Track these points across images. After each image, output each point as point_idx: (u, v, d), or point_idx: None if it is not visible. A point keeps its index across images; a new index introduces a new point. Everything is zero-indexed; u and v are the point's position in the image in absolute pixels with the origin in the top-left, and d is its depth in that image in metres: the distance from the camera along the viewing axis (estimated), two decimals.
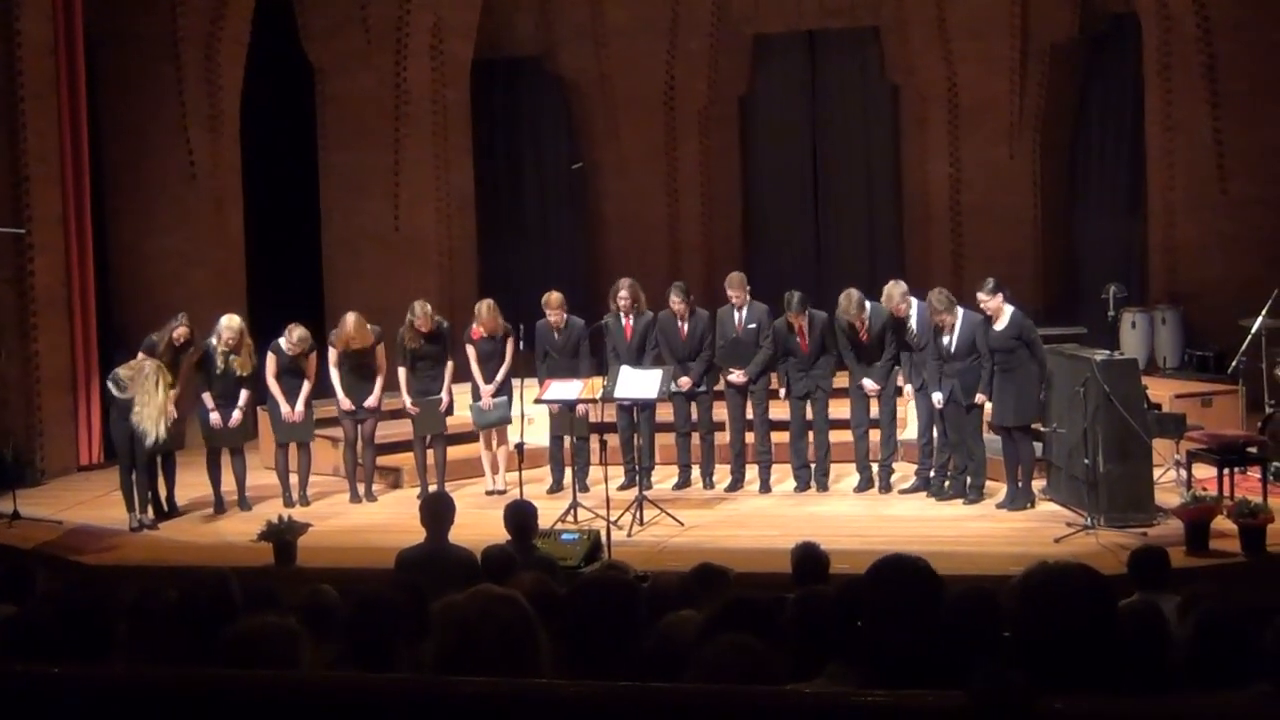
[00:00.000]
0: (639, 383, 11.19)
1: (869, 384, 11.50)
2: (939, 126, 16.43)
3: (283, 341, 11.70)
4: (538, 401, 11.58)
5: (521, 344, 11.87)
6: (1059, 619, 2.94)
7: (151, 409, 10.94)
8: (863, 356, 11.51)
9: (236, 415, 11.54)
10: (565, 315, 11.95)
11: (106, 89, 14.66)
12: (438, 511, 7.78)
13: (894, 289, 11.36)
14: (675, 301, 11.82)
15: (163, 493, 11.60)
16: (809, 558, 7.08)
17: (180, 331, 11.38)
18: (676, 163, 17.23)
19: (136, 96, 14.70)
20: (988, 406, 10.97)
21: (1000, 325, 10.72)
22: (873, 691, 2.23)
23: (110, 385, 11.23)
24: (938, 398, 10.97)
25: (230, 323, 11.59)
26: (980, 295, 10.75)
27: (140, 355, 11.22)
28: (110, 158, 14.74)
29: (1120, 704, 2.16)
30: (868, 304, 11.39)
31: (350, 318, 11.85)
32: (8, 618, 4.81)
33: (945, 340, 10.89)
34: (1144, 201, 15.38)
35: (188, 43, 14.62)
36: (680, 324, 11.85)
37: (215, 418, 11.51)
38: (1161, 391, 12.14)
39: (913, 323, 11.21)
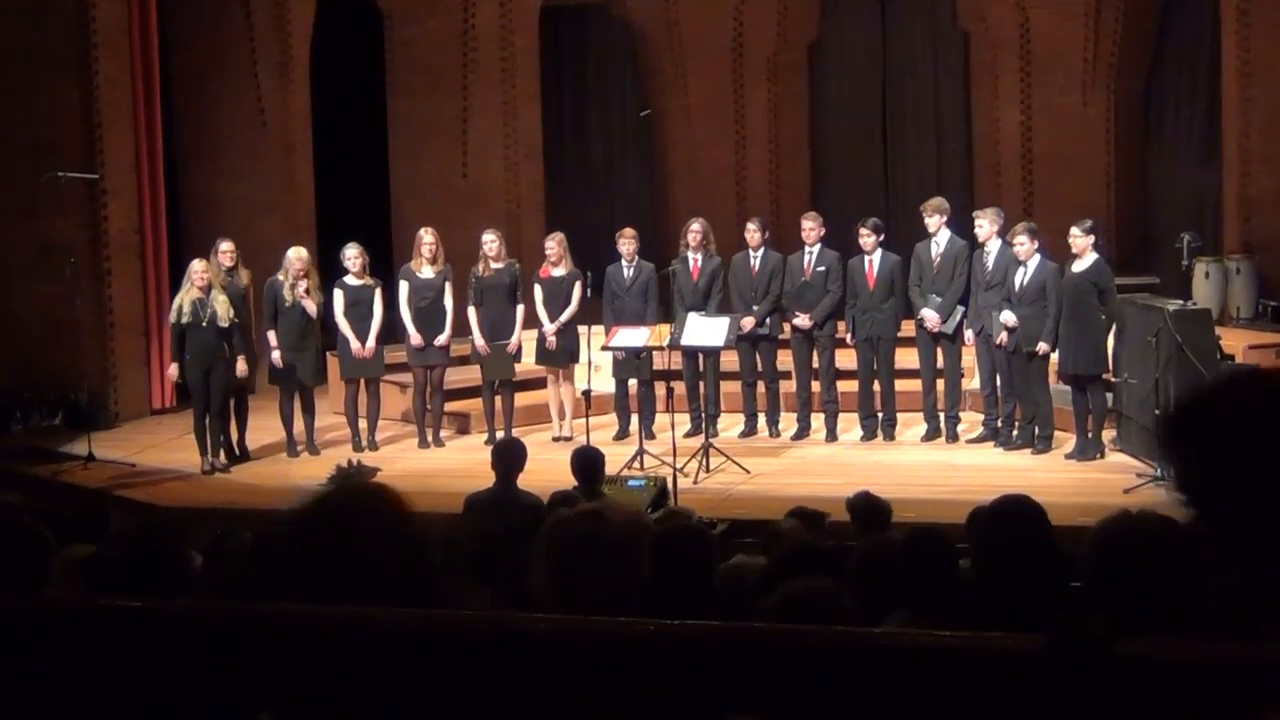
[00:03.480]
0: (706, 330, 11.18)
1: (929, 314, 11.38)
2: (1011, 74, 16.24)
3: (349, 278, 11.76)
4: (605, 349, 11.60)
5: (589, 291, 11.90)
6: (1139, 570, 2.93)
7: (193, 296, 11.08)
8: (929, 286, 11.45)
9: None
10: (637, 255, 11.99)
11: (177, 35, 14.74)
12: (509, 457, 7.82)
13: (990, 210, 11.35)
14: (751, 231, 11.87)
15: (234, 436, 11.73)
16: (868, 506, 7.07)
17: (226, 252, 11.55)
18: (744, 110, 17.16)
19: (207, 43, 14.78)
20: (1053, 357, 10.86)
21: (1080, 266, 10.56)
22: (950, 633, 2.22)
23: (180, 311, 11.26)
24: (1007, 318, 10.72)
25: (298, 254, 11.65)
26: (1075, 230, 10.61)
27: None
28: (181, 104, 14.84)
29: (1202, 648, 2.15)
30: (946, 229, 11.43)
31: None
32: (88, 556, 4.90)
33: (1018, 276, 10.78)
34: (1219, 150, 15.13)
35: None
36: (752, 258, 11.84)
37: (277, 356, 11.55)
38: (1235, 342, 11.97)
39: (989, 258, 11.10)
